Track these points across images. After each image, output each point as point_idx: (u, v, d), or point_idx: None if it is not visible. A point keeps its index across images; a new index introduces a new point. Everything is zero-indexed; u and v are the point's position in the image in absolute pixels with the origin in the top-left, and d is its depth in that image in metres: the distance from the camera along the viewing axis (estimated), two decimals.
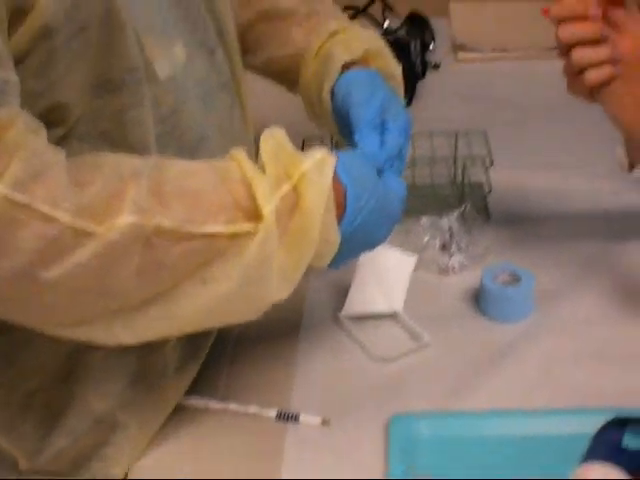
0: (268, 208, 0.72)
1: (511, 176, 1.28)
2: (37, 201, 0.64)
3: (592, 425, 0.82)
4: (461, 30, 1.84)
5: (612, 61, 0.89)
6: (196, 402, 0.91)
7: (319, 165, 0.75)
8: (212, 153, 0.87)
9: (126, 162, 0.71)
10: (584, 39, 0.89)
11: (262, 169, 0.75)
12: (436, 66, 1.69)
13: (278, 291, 0.76)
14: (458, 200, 1.25)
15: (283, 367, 0.97)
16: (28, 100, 0.69)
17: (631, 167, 1.03)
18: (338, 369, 0.97)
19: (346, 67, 0.98)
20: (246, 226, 0.71)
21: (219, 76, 0.92)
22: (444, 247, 1.15)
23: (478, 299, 1.05)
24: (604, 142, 1.37)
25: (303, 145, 1.33)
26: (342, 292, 1.06)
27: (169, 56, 0.81)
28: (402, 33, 1.74)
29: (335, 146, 1.28)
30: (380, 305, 1.02)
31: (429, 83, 1.62)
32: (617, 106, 0.91)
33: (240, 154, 0.75)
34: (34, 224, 0.64)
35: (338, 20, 1.04)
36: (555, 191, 1.25)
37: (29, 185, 0.64)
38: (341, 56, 0.97)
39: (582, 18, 0.89)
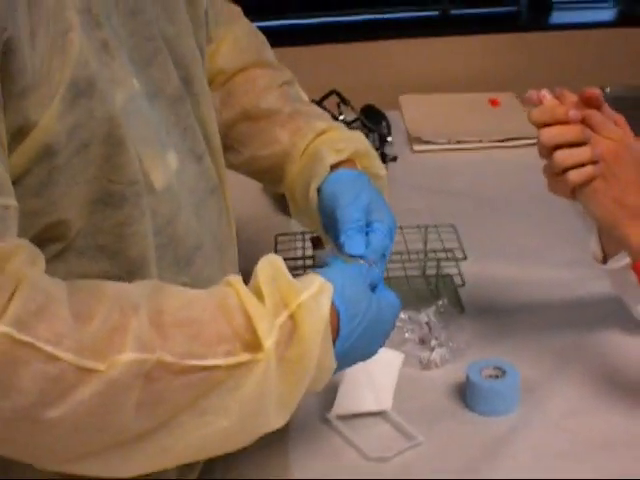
0: (269, 342, 0.71)
1: (480, 268, 1.31)
2: (40, 341, 0.63)
3: None
4: (414, 122, 1.89)
5: (592, 161, 0.93)
6: None
7: (317, 295, 0.76)
8: (206, 261, 0.88)
9: (124, 291, 0.70)
10: (565, 141, 0.93)
11: (258, 294, 0.74)
12: (394, 158, 1.73)
13: (276, 420, 0.76)
14: (431, 293, 1.26)
15: (276, 471, 0.96)
16: (27, 219, 0.69)
17: (605, 259, 1.07)
18: (333, 470, 0.96)
19: (333, 167, 1.00)
20: (244, 357, 0.71)
21: (208, 182, 0.92)
22: (423, 342, 1.16)
23: (464, 394, 1.06)
24: (566, 229, 1.43)
25: (276, 241, 1.34)
26: (326, 391, 1.06)
27: (163, 165, 0.81)
28: (358, 126, 1.78)
29: (311, 243, 1.29)
30: (370, 404, 1.02)
31: (389, 176, 1.65)
32: (597, 204, 0.94)
33: (237, 282, 0.75)
34: (36, 364, 0.63)
35: (322, 120, 1.06)
36: (525, 281, 1.28)
37: (32, 323, 0.63)
38: (329, 157, 0.99)
39: (562, 121, 0.93)
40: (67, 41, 0.67)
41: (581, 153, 0.92)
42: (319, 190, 0.99)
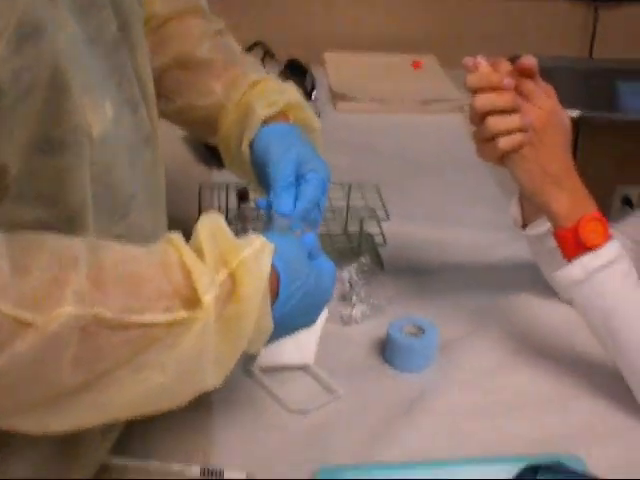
0: (208, 297, 0.71)
1: (401, 228, 1.34)
2: None
3: (506, 473, 0.87)
4: (337, 79, 1.90)
5: (522, 129, 0.95)
6: (118, 462, 0.89)
7: (258, 253, 0.75)
8: (141, 212, 0.87)
9: (64, 245, 0.69)
10: (498, 108, 0.95)
11: (198, 252, 0.74)
12: (317, 115, 1.73)
13: (212, 379, 0.76)
14: (352, 251, 1.28)
15: (199, 423, 0.97)
16: None
17: (524, 225, 1.10)
18: (255, 423, 0.97)
19: (266, 120, 1.00)
20: (183, 314, 0.70)
21: (142, 132, 0.90)
22: (344, 298, 1.18)
23: (384, 350, 1.08)
24: (485, 193, 1.48)
25: (200, 192, 1.33)
26: None
27: (101, 113, 0.80)
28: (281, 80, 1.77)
29: (237, 196, 1.29)
30: (293, 358, 1.04)
31: None
32: (524, 171, 0.97)
33: (178, 239, 0.74)
34: None
35: (256, 71, 1.06)
36: (445, 242, 1.32)
37: None
38: (261, 110, 0.99)
39: (496, 88, 0.95)
40: None
41: (512, 121, 0.95)
42: (252, 144, 0.99)
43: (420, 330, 1.08)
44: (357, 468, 0.90)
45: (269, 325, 0.78)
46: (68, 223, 0.74)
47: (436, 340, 1.07)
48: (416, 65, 2.00)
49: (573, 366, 1.06)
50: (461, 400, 1.02)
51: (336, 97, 1.81)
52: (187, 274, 0.71)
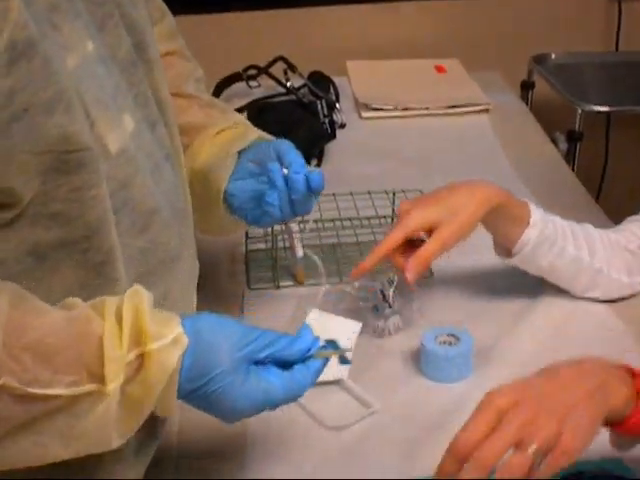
0: (112, 386, 0.70)
1: None
2: None
3: None
4: (361, 89, 1.89)
5: None
6: None
7: (170, 347, 0.73)
8: (164, 227, 0.86)
9: None
10: None
11: (118, 320, 0.72)
12: (342, 125, 1.73)
13: (114, 442, 0.74)
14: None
15: (235, 445, 0.96)
16: None
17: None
18: (292, 441, 0.96)
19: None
20: (88, 387, 0.70)
21: (162, 149, 0.91)
22: (377, 309, 1.16)
23: (419, 361, 1.07)
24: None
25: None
26: None
27: (119, 128, 0.80)
28: (305, 92, 1.77)
29: None
30: (326, 373, 1.02)
31: (337, 143, 1.66)
32: None
33: (109, 306, 0.73)
34: None
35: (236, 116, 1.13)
36: (476, 246, 1.29)
37: None
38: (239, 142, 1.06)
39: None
40: (7, 6, 0.64)
41: None
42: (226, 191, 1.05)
43: (455, 339, 1.06)
44: None
45: (171, 411, 0.76)
46: (87, 239, 0.74)
47: (472, 348, 1.05)
48: (439, 69, 1.98)
49: None
50: None
51: (361, 106, 1.81)
52: (100, 353, 0.70)
